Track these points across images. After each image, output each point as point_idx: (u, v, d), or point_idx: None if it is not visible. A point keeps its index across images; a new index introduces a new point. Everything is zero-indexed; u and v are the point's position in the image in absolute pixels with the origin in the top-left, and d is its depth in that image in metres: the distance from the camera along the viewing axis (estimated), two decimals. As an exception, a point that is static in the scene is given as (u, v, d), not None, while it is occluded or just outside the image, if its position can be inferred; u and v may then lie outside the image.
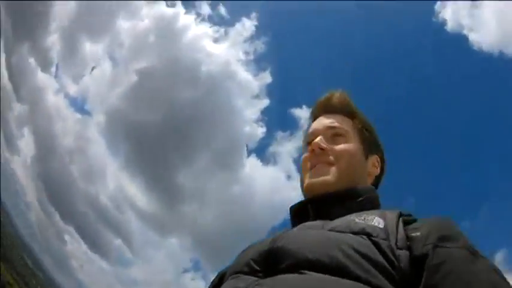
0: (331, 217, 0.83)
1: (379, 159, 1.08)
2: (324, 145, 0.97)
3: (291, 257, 0.69)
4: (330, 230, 0.75)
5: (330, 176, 0.93)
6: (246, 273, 0.74)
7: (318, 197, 0.92)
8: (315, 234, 0.76)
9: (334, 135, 1.01)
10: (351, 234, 0.71)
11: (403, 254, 0.67)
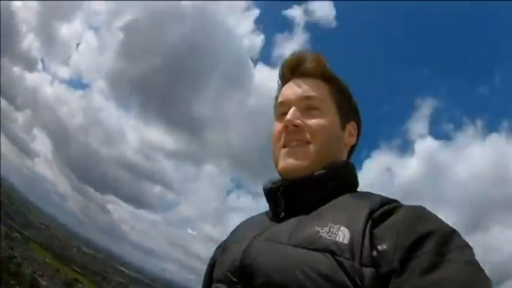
0: (301, 207, 0.84)
1: (355, 125, 1.02)
2: (298, 121, 0.91)
3: (261, 276, 0.73)
4: (295, 246, 0.74)
5: (305, 158, 0.89)
6: (225, 284, 0.81)
7: (290, 184, 0.89)
8: (280, 253, 0.74)
9: (308, 108, 0.94)
10: (315, 252, 0.70)
11: (368, 272, 0.66)
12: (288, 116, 0.91)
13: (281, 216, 0.88)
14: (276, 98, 1.03)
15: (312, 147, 0.90)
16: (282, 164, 0.92)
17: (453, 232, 0.70)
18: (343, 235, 0.71)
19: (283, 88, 1.01)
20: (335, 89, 0.98)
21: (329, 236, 0.71)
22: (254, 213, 1.03)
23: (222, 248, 0.98)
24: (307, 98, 0.94)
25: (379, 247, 0.68)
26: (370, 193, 0.87)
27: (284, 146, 0.93)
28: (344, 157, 0.99)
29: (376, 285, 0.65)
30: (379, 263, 0.67)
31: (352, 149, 1.03)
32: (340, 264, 0.67)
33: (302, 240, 0.74)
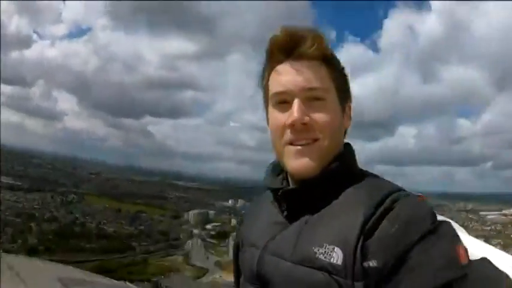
0: (302, 209, 0.88)
1: (350, 105, 0.98)
2: (306, 119, 0.85)
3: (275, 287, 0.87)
4: (298, 263, 0.81)
5: (316, 158, 0.87)
6: (250, 284, 0.95)
7: (295, 189, 0.91)
8: (287, 271, 0.83)
9: (312, 98, 0.87)
10: (315, 270, 0.78)
11: (359, 285, 0.74)
12: (295, 114, 0.85)
13: (284, 215, 0.93)
14: (263, 78, 0.95)
15: (320, 144, 0.88)
16: (292, 164, 0.89)
17: (441, 231, 0.74)
18: (337, 256, 0.77)
19: (281, 74, 0.89)
20: (335, 71, 0.92)
21: (325, 257, 0.78)
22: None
23: (242, 241, 1.07)
24: (311, 89, 0.87)
25: (370, 263, 0.74)
26: (370, 182, 0.88)
27: (290, 143, 0.89)
28: (342, 144, 0.96)
29: None
30: (370, 276, 0.73)
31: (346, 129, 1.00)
32: (336, 281, 0.75)
33: (303, 260, 0.81)
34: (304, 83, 0.86)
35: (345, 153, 0.93)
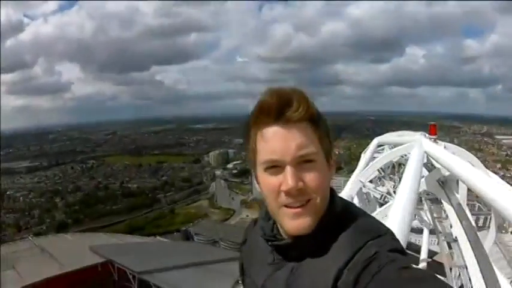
0: (293, 254, 1.00)
1: (333, 156, 1.01)
2: (300, 185, 0.91)
3: None
4: None
5: (311, 218, 0.95)
6: None
7: (288, 244, 1.00)
8: None
9: (302, 161, 0.91)
10: None
11: None
12: (289, 182, 0.90)
13: (274, 261, 1.05)
14: (248, 138, 0.98)
15: (314, 203, 0.94)
16: (290, 225, 0.96)
17: None
18: None
19: (270, 141, 0.92)
20: (321, 130, 0.96)
21: None
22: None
23: (243, 266, 1.23)
24: (303, 156, 0.91)
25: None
26: (347, 228, 0.96)
27: (285, 205, 0.95)
28: (328, 195, 1.02)
29: None
30: None
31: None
32: None
33: None
34: (295, 151, 0.90)
35: (333, 201, 1.01)
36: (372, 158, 7.65)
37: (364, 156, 8.42)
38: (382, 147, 8.95)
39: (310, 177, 0.92)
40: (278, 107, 0.89)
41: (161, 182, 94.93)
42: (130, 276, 29.53)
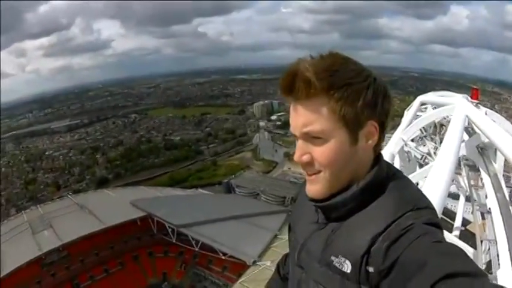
0: (334, 216, 1.07)
1: (375, 123, 0.99)
2: (305, 158, 1.00)
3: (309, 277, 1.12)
4: (322, 265, 1.05)
5: (321, 187, 1.03)
6: (298, 267, 1.18)
7: (317, 205, 1.09)
8: (315, 267, 1.08)
9: (312, 137, 0.97)
10: (334, 274, 1.00)
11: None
12: (296, 154, 1.01)
13: (318, 220, 1.13)
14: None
15: (324, 176, 1.01)
16: (307, 189, 1.08)
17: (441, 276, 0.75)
18: (347, 266, 0.96)
19: (290, 114, 1.01)
20: (338, 101, 0.94)
21: (338, 266, 0.98)
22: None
23: (291, 225, 1.31)
24: (307, 133, 0.97)
25: (370, 269, 0.92)
26: (393, 196, 0.99)
27: (303, 169, 1.05)
28: (369, 162, 1.05)
29: None
30: (371, 279, 0.91)
31: (379, 142, 1.05)
32: (346, 285, 0.96)
33: (325, 264, 1.03)
34: (300, 127, 0.98)
35: (379, 167, 1.04)
36: (415, 117, 7.23)
37: (408, 114, 7.90)
38: (425, 106, 8.57)
39: (318, 153, 0.98)
40: (286, 87, 0.96)
41: (204, 134, 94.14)
42: (170, 230, 28.49)
